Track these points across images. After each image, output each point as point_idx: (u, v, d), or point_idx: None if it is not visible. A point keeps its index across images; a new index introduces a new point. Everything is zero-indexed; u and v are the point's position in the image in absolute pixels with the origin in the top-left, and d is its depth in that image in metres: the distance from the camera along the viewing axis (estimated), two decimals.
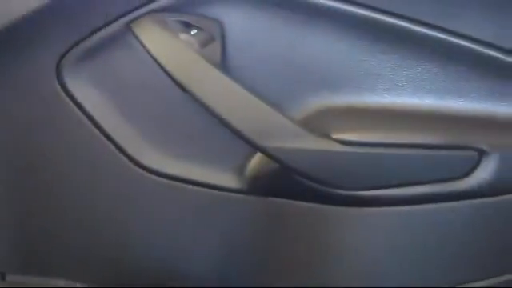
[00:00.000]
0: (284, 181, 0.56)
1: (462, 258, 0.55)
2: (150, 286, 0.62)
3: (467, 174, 0.53)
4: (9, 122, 0.58)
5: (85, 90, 0.57)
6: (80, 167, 0.59)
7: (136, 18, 0.55)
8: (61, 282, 0.63)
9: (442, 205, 0.54)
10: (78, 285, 0.63)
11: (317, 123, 0.54)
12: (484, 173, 0.53)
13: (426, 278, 0.56)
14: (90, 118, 0.58)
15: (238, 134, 0.54)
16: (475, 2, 0.53)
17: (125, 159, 0.59)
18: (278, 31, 0.55)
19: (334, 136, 0.53)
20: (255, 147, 0.54)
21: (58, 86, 0.57)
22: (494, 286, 0.55)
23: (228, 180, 0.59)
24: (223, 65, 0.55)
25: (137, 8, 0.55)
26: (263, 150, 0.54)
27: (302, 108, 0.56)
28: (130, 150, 0.59)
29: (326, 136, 0.53)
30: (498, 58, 0.54)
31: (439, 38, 0.54)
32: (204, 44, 0.55)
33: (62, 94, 0.57)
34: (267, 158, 0.55)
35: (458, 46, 0.54)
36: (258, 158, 0.57)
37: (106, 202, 0.61)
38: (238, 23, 0.55)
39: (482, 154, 0.53)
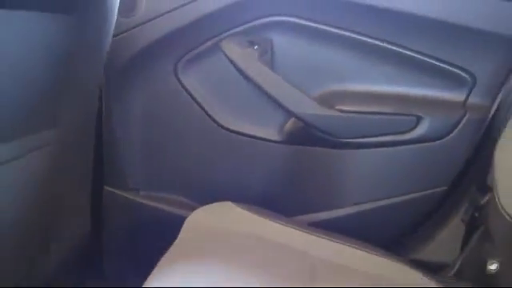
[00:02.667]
0: (307, 134, 0.96)
1: (403, 176, 0.95)
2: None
3: (410, 130, 0.94)
4: (144, 101, 0.99)
5: (190, 81, 0.98)
6: (187, 127, 1.00)
7: (222, 39, 0.95)
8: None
9: (395, 148, 0.94)
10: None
11: (325, 99, 0.94)
12: (420, 129, 0.93)
13: (385, 188, 0.96)
14: (193, 97, 0.98)
15: (279, 105, 0.95)
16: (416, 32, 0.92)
17: (212, 122, 0.99)
18: (302, 47, 0.95)
19: (335, 107, 0.94)
20: (290, 113, 0.95)
21: (175, 79, 0.98)
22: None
23: (273, 134, 0.99)
24: (272, 65, 0.95)
25: (221, 33, 0.95)
26: (294, 115, 0.95)
27: (316, 91, 0.96)
28: (215, 117, 0.99)
29: (330, 107, 0.94)
30: (429, 62, 0.93)
31: (397, 52, 0.93)
32: (261, 54, 0.95)
33: (177, 83, 0.98)
34: (297, 119, 0.95)
35: (407, 56, 0.93)
36: (291, 120, 0.97)
37: (200, 146, 1.01)
38: (281, 42, 0.95)
39: (419, 118, 0.93)
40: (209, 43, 0.96)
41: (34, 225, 0.84)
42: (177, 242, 0.84)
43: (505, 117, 0.84)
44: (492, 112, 0.90)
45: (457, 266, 0.87)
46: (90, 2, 0.76)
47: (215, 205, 0.91)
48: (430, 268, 0.87)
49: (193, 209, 0.95)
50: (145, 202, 1.03)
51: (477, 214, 0.85)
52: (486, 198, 0.82)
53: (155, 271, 0.76)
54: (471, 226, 0.88)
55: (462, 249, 0.89)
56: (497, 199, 0.77)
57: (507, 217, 0.73)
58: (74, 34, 0.76)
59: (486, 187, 0.82)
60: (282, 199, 1.00)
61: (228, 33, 0.95)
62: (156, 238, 0.92)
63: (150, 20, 0.94)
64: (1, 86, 0.67)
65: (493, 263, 0.75)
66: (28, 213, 0.81)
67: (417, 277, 0.81)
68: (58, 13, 0.72)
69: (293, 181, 1.01)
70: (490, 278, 0.76)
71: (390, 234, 0.98)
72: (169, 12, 0.94)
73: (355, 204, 0.98)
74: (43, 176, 0.81)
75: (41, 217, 0.86)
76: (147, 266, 0.76)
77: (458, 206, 0.95)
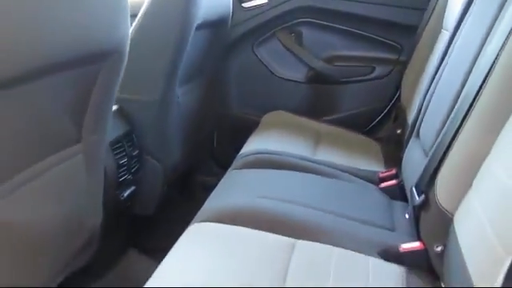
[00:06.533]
0: (319, 77, 1.95)
1: (366, 97, 1.92)
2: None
3: (369, 73, 1.91)
4: (239, 63, 1.98)
5: (260, 53, 1.97)
6: (258, 77, 1.99)
7: (276, 31, 1.93)
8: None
9: (362, 83, 1.92)
10: None
11: (327, 59, 1.93)
12: (374, 73, 1.91)
13: (357, 103, 1.93)
14: (262, 62, 1.98)
15: (305, 63, 1.94)
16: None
17: (272, 74, 1.99)
18: (316, 34, 1.92)
19: (333, 63, 1.92)
20: (310, 67, 1.93)
21: (252, 52, 1.97)
22: None
23: (302, 79, 1.98)
24: (301, 44, 1.94)
25: (276, 27, 1.93)
26: (312, 68, 1.94)
27: (323, 55, 1.94)
28: (273, 71, 1.99)
29: (330, 63, 1.92)
30: (379, 40, 1.88)
31: (363, 34, 1.89)
32: (296, 38, 1.94)
33: (253, 55, 1.97)
34: (313, 70, 1.93)
35: (367, 36, 1.89)
36: (311, 71, 1.95)
37: (266, 86, 2.00)
38: (306, 31, 1.93)
39: (373, 68, 1.90)
40: (270, 33, 1.95)
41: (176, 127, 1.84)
42: (259, 128, 1.83)
43: (409, 63, 1.79)
44: (407, 65, 1.86)
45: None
46: (226, 20, 1.75)
47: (275, 112, 1.90)
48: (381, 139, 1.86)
49: (261, 116, 1.94)
50: (238, 114, 2.03)
51: (397, 109, 1.83)
52: (399, 102, 1.79)
53: (250, 139, 1.74)
54: (396, 117, 1.86)
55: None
56: (402, 99, 1.75)
57: (403, 105, 1.70)
58: (217, 33, 1.75)
59: (400, 97, 1.80)
60: (308, 110, 1.98)
61: (279, 27, 1.94)
62: (246, 130, 1.90)
63: (239, 22, 1.92)
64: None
65: (399, 129, 1.73)
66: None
67: (368, 141, 1.80)
68: (211, 28, 1.71)
69: (313, 101, 1.99)
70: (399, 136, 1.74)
71: (362, 125, 1.96)
72: (249, 19, 1.92)
73: (344, 111, 1.96)
74: (189, 110, 1.80)
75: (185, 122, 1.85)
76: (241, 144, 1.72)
77: (392, 110, 1.92)
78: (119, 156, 1.32)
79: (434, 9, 1.68)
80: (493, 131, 0.85)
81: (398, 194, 1.33)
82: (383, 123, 1.95)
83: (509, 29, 0.86)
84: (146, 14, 1.36)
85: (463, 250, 0.85)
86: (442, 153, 0.96)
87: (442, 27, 1.62)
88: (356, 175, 1.43)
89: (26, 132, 0.85)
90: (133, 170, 1.41)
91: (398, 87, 1.89)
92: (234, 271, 0.93)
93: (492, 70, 0.87)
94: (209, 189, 1.33)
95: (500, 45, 0.87)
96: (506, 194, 0.76)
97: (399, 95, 1.84)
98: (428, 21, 1.70)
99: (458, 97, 1.01)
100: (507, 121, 0.83)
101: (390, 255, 1.02)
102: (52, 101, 0.91)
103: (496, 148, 0.84)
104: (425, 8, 1.81)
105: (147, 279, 0.92)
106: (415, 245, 1.02)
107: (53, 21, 0.79)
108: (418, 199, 1.00)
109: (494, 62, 0.87)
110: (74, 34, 0.85)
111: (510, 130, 0.82)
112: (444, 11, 1.62)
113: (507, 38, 0.86)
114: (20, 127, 0.83)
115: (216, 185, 1.35)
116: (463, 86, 1.00)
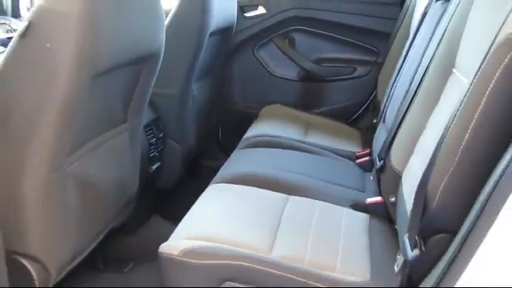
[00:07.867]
0: (309, 76, 2.31)
1: (348, 93, 2.28)
2: None
3: (351, 73, 2.26)
4: (242, 64, 2.33)
5: (260, 55, 2.33)
6: (258, 76, 2.35)
7: (273, 36, 2.28)
8: None
9: (345, 81, 2.27)
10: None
11: (316, 60, 2.28)
12: (355, 73, 2.27)
13: (341, 98, 2.29)
14: (261, 63, 2.34)
15: (297, 64, 2.31)
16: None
17: (269, 73, 2.35)
18: (307, 39, 2.28)
19: (321, 64, 2.28)
20: (301, 67, 2.30)
21: (253, 55, 2.32)
22: None
23: (294, 77, 2.33)
24: (294, 47, 2.29)
25: (272, 34, 2.28)
26: (303, 68, 2.29)
27: (313, 57, 2.30)
28: (270, 70, 2.35)
29: (318, 64, 2.28)
30: (360, 45, 2.24)
31: (346, 40, 2.25)
32: (289, 43, 2.30)
33: (254, 57, 2.32)
34: (304, 69, 2.29)
35: (350, 42, 2.25)
36: (302, 70, 2.31)
37: (263, 84, 2.36)
38: (298, 37, 2.29)
39: (354, 68, 2.26)
40: (268, 38, 2.31)
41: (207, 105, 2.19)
42: (258, 118, 2.18)
43: (384, 64, 2.14)
44: (383, 65, 2.21)
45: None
46: (231, 28, 2.10)
47: (272, 105, 2.25)
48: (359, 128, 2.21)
49: (260, 109, 2.29)
50: (240, 107, 2.38)
51: (374, 103, 2.19)
52: (376, 97, 2.14)
53: (251, 127, 2.09)
54: (373, 109, 2.21)
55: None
56: (378, 95, 2.11)
57: (379, 100, 2.06)
58: (224, 38, 2.09)
59: (377, 93, 2.15)
60: (300, 104, 2.33)
61: (275, 34, 2.30)
62: (246, 121, 2.24)
63: (242, 29, 2.27)
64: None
65: (375, 119, 2.08)
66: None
67: (350, 129, 2.15)
68: (220, 34, 2.05)
69: (304, 96, 2.34)
70: None
71: (346, 117, 2.31)
72: (250, 26, 2.27)
73: (330, 105, 2.32)
74: (206, 99, 2.15)
75: (208, 106, 2.20)
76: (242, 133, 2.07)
77: (370, 104, 2.27)
78: (150, 136, 1.67)
79: (403, 19, 2.04)
80: (427, 112, 1.20)
81: (370, 167, 1.68)
82: (363, 115, 2.31)
83: (439, 37, 1.22)
84: (171, 24, 1.71)
85: (405, 199, 1.20)
86: (395, 129, 1.31)
87: (409, 34, 1.98)
88: (338, 154, 1.78)
89: (97, 110, 1.20)
90: (159, 149, 1.75)
91: (375, 85, 2.25)
92: (243, 215, 1.27)
93: (428, 68, 1.23)
94: (214, 171, 1.57)
95: (434, 49, 1.23)
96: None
97: (376, 91, 2.19)
98: (398, 29, 2.05)
99: (408, 89, 1.36)
100: (436, 105, 1.18)
101: (359, 207, 1.37)
102: (113, 89, 1.26)
103: (429, 124, 1.19)
104: (397, 18, 2.16)
105: (169, 235, 1.23)
106: (377, 199, 1.37)
107: (122, 32, 1.14)
108: (379, 164, 1.36)
109: (429, 62, 1.23)
110: (132, 42, 1.20)
111: (437, 112, 1.17)
112: (411, 21, 1.97)
113: (438, 45, 1.21)
114: (94, 106, 1.18)
115: (220, 168, 1.63)
116: (412, 81, 1.36)
